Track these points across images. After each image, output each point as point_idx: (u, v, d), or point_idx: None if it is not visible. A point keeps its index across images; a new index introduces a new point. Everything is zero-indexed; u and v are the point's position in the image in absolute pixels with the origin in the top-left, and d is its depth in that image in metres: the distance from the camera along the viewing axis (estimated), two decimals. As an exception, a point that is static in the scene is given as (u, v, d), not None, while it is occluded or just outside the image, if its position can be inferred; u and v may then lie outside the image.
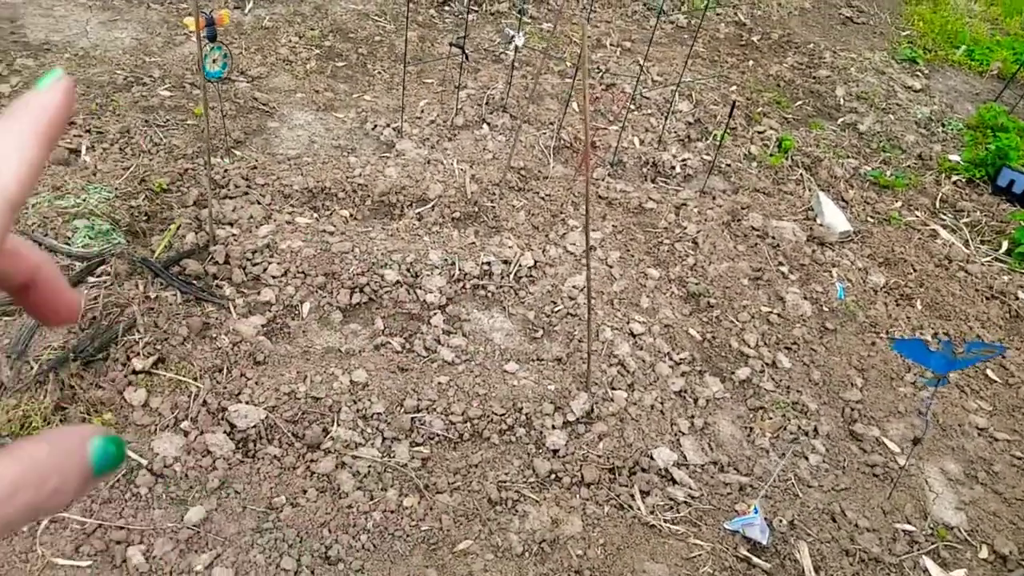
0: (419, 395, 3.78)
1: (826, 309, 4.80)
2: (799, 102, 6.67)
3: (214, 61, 4.75)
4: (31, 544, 2.98)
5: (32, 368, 3.39)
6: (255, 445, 3.43)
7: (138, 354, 3.59)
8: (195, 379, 3.59)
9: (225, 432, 3.42)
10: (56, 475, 0.51)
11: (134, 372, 3.54)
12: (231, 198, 4.59)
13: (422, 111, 5.66)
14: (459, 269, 4.46)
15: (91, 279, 3.85)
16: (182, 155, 4.87)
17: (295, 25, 6.36)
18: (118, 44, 5.75)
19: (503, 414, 3.79)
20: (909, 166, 6.19)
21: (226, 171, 4.75)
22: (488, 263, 4.51)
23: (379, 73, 6.04)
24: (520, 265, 4.56)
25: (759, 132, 6.15)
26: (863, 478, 3.94)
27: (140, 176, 4.60)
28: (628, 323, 4.40)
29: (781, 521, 3.61)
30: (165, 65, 5.65)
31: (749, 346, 4.45)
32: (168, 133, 5.01)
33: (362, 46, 6.30)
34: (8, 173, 0.51)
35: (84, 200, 4.28)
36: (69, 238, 4.05)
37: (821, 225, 5.35)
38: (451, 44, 6.08)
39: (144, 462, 3.28)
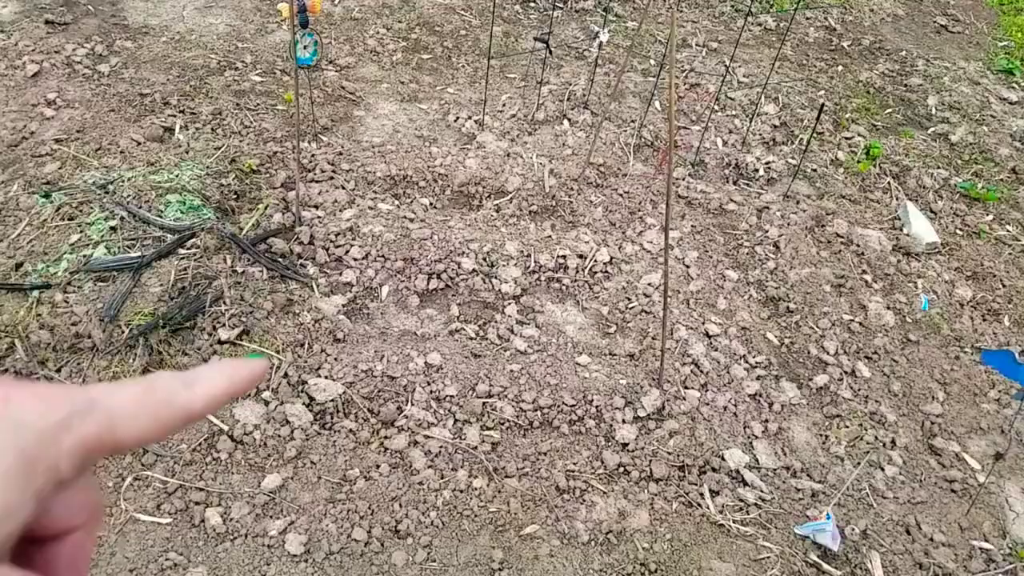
0: (491, 381, 3.81)
1: (909, 320, 4.68)
2: (889, 110, 6.52)
3: (305, 47, 4.85)
4: (115, 499, 3.10)
5: (123, 332, 3.52)
6: (332, 418, 3.50)
7: (224, 325, 3.69)
8: (277, 352, 3.68)
9: (304, 404, 3.50)
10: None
11: (219, 342, 3.66)
12: (317, 182, 4.70)
13: (503, 105, 5.70)
14: (534, 261, 4.48)
15: (181, 251, 3.98)
16: (271, 138, 4.99)
17: (383, 17, 6.47)
18: (212, 29, 5.93)
19: (573, 405, 3.79)
20: (1002, 179, 5.99)
21: (313, 156, 4.86)
22: (563, 257, 4.52)
23: (463, 67, 6.11)
24: (595, 260, 4.55)
25: (847, 138, 6.03)
26: (940, 493, 3.83)
27: (230, 156, 4.73)
28: (703, 323, 4.35)
29: (854, 530, 3.54)
30: (257, 51, 5.80)
31: (828, 353, 4.36)
32: (258, 117, 5.15)
33: (447, 40, 6.37)
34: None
35: (177, 176, 4.43)
36: (162, 211, 4.19)
37: (908, 235, 5.22)
38: (535, 38, 6.11)
39: (225, 428, 3.38)
